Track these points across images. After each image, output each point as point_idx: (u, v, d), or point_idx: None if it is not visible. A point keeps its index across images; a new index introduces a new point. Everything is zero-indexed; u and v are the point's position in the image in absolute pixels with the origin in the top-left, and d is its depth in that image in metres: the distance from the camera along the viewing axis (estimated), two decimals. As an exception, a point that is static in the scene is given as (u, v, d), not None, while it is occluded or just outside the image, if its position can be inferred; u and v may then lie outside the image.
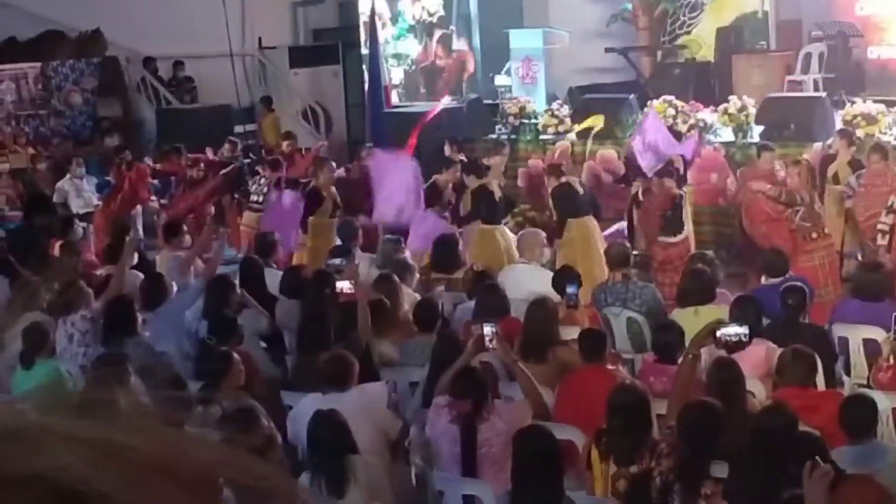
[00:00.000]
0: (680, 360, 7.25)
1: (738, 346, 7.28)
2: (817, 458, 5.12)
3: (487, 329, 7.44)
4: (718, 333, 6.62)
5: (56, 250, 11.76)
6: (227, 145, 16.71)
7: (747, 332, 6.74)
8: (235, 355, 7.45)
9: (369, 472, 6.09)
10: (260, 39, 23.14)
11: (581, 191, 12.93)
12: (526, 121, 17.35)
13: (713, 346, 7.59)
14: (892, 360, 7.88)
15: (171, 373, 7.47)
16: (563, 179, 12.92)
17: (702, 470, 5.66)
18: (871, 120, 14.51)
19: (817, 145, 13.08)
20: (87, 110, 20.64)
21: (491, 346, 7.49)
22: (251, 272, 10.18)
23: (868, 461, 6.23)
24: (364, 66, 20.62)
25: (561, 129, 16.85)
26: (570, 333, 8.31)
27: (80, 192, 15.20)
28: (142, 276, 9.97)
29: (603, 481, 6.28)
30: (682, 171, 13.25)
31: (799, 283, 9.00)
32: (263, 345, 9.11)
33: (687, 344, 7.37)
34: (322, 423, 6.28)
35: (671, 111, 16.08)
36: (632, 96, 17.14)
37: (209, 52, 21.17)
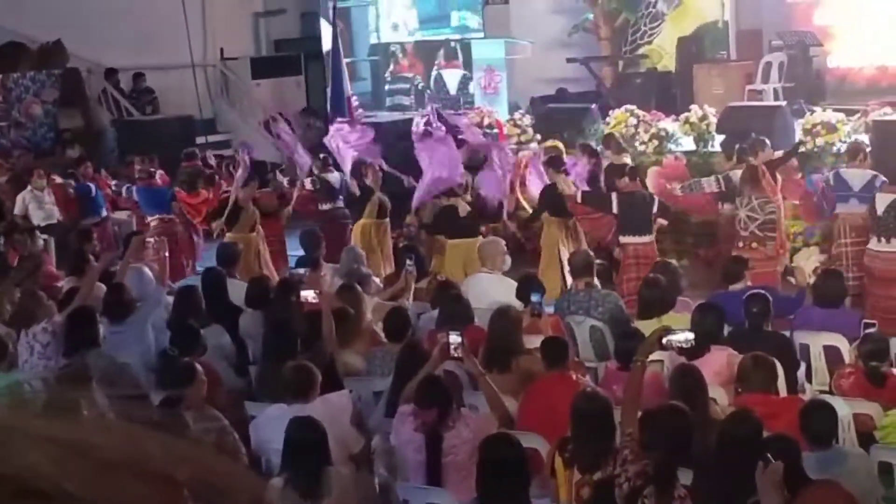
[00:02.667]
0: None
1: (689, 352, 7.34)
2: (768, 455, 5.17)
3: (453, 338, 7.44)
4: (664, 340, 6.65)
5: (16, 262, 11.69)
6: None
7: (693, 337, 6.77)
8: (198, 366, 7.43)
9: (341, 482, 6.09)
10: (222, 50, 23.09)
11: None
12: (489, 131, 17.37)
13: (675, 354, 7.63)
14: (854, 368, 7.94)
15: (133, 384, 7.43)
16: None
17: (673, 473, 5.68)
18: (830, 129, 14.60)
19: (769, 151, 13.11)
20: (47, 122, 20.51)
21: (456, 354, 7.50)
22: (214, 283, 10.14)
23: (829, 467, 6.28)
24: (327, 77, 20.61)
25: (523, 138, 16.87)
26: (535, 342, 8.33)
27: (41, 205, 15.10)
28: (104, 287, 9.90)
29: (567, 489, 6.28)
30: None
31: (762, 291, 9.05)
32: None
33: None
34: (302, 429, 6.26)
35: (633, 120, 16.14)
36: (594, 106, 17.21)
37: (171, 63, 21.11)
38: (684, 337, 6.70)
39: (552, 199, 12.97)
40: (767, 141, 12.86)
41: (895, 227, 11.26)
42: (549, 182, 13.22)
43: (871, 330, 8.21)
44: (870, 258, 11.49)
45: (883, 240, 11.32)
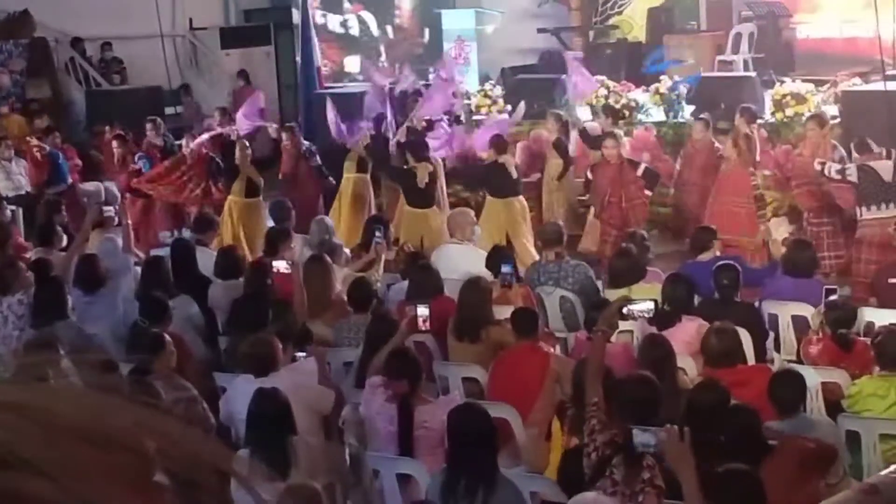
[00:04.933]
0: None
1: (658, 322, 7.35)
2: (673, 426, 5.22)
3: (420, 310, 7.44)
4: (625, 310, 6.66)
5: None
6: (148, 125, 16.44)
7: (652, 307, 6.78)
8: (167, 337, 7.42)
9: (309, 452, 6.09)
10: (191, 20, 22.94)
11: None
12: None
13: (645, 324, 7.65)
14: (820, 334, 7.98)
15: (102, 355, 7.40)
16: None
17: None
18: (800, 99, 14.65)
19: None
20: (15, 92, 20.33)
21: (425, 327, 7.49)
22: (182, 253, 10.10)
23: (796, 434, 6.33)
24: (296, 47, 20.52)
25: (494, 109, 16.84)
26: (505, 313, 8.34)
27: (9, 175, 14.98)
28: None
29: (559, 453, 6.31)
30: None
31: (731, 262, 9.08)
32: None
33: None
34: (265, 401, 6.26)
35: (603, 91, 16.15)
36: (563, 77, 17.19)
37: (139, 33, 20.93)
38: (645, 306, 6.72)
39: (497, 180, 12.89)
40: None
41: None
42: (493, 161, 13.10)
43: (834, 297, 8.23)
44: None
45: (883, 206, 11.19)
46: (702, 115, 13.79)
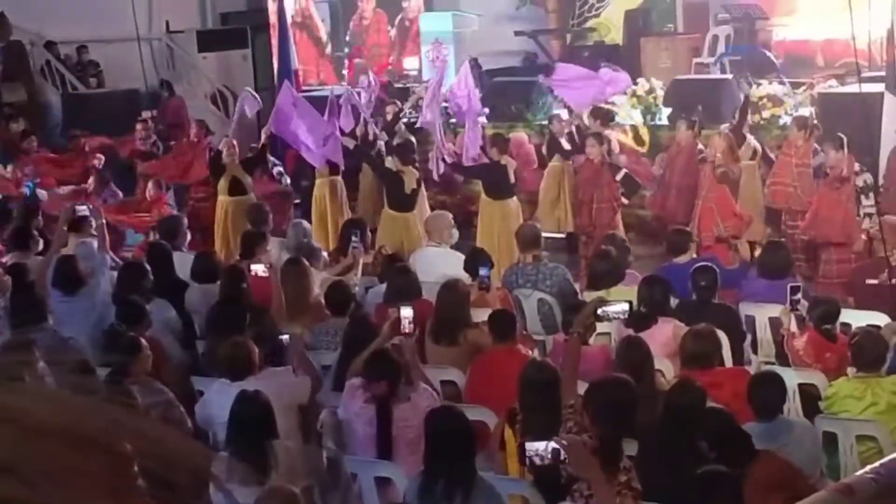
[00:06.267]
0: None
1: (635, 324, 7.36)
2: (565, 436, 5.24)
3: (404, 312, 7.41)
4: (600, 311, 6.66)
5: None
6: (139, 126, 16.43)
7: (627, 308, 6.78)
8: (143, 341, 7.40)
9: (288, 456, 6.08)
10: (167, 23, 22.86)
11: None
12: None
13: (622, 326, 7.66)
14: (794, 329, 8.02)
15: (78, 359, 7.37)
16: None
17: (619, 445, 5.70)
18: (776, 101, 14.71)
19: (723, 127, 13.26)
20: (-10, 96, 20.27)
21: (409, 329, 7.46)
22: (159, 256, 10.06)
23: (775, 437, 6.36)
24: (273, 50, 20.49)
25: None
26: (483, 315, 8.34)
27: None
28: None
29: (516, 460, 6.30)
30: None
31: (709, 263, 9.10)
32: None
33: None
34: (247, 404, 6.24)
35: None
36: (541, 78, 17.21)
37: (116, 35, 20.83)
38: (620, 308, 6.71)
39: (495, 180, 12.91)
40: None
41: None
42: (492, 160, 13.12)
43: (799, 294, 8.24)
44: None
45: None
46: (690, 117, 13.79)
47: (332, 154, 13.49)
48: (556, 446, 5.04)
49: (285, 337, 7.59)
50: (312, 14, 23.00)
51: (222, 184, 13.23)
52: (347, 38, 23.36)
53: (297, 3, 22.63)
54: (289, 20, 20.70)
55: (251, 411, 6.22)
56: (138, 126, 15.84)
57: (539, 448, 5.07)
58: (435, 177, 13.97)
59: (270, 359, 7.53)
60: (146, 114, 17.58)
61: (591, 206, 12.40)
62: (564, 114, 15.27)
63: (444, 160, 13.59)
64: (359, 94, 15.16)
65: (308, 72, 22.26)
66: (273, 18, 20.89)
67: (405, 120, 15.83)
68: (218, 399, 6.88)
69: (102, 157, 15.31)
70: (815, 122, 12.90)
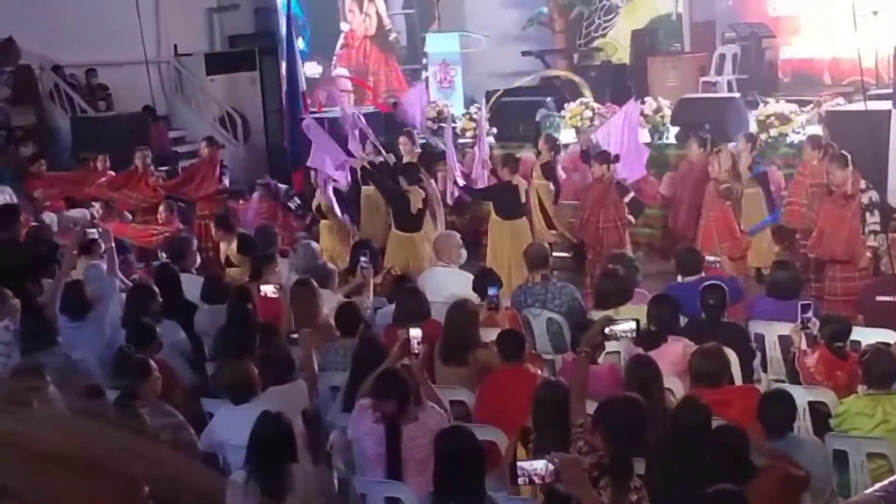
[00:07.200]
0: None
1: (645, 343, 7.34)
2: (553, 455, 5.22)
3: (413, 332, 7.40)
4: (607, 330, 6.65)
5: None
6: (137, 154, 16.42)
7: (634, 327, 6.77)
8: (153, 363, 7.40)
9: (305, 480, 6.07)
10: (175, 46, 22.93)
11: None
12: (444, 125, 17.33)
13: (631, 345, 7.66)
14: (805, 346, 8.01)
15: (88, 382, 7.38)
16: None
17: (629, 463, 5.69)
18: (784, 120, 14.70)
19: (731, 145, 13.29)
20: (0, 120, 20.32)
21: (418, 349, 7.44)
22: (167, 278, 10.07)
23: (780, 456, 6.34)
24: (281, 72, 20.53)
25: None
26: (492, 335, 8.33)
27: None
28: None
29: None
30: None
31: (718, 282, 9.09)
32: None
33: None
34: (269, 426, 6.22)
35: (588, 113, 16.19)
36: (549, 99, 17.23)
37: (124, 59, 20.92)
38: (628, 326, 6.71)
39: (507, 200, 12.94)
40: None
41: None
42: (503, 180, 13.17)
43: (810, 313, 8.23)
44: None
45: None
46: (702, 135, 13.81)
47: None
48: (551, 465, 5.03)
49: (295, 335, 7.62)
50: (385, 24, 22.90)
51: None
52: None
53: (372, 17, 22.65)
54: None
55: (272, 433, 6.19)
56: (137, 154, 15.81)
57: (531, 467, 5.06)
58: (449, 200, 13.99)
59: (278, 379, 7.53)
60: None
61: (598, 226, 12.41)
62: (568, 135, 15.32)
63: (455, 183, 13.63)
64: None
65: (378, 82, 22.24)
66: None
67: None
68: (223, 423, 6.88)
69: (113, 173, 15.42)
70: (830, 141, 12.88)
